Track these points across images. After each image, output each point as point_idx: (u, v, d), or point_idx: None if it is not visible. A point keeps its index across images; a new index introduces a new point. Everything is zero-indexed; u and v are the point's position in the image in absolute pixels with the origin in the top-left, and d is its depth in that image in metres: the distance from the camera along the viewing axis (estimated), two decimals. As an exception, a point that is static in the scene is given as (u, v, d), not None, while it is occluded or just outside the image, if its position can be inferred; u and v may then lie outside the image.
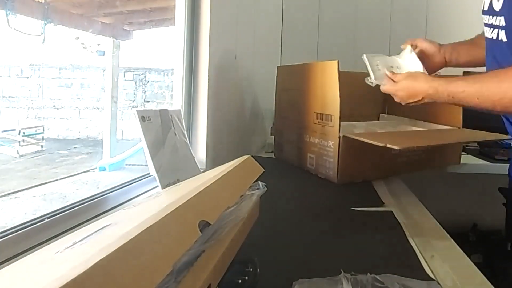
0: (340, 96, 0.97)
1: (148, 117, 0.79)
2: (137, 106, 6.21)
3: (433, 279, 0.53)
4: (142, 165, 3.85)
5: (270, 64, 1.75)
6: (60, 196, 3.44)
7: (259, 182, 0.56)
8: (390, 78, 0.93)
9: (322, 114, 1.05)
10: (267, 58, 1.88)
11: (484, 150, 1.57)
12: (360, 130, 1.24)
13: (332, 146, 1.01)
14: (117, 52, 4.41)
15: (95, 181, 3.96)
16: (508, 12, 0.78)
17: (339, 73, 0.97)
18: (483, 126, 1.23)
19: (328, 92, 1.03)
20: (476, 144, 1.63)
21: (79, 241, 0.34)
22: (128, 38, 4.51)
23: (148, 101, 6.35)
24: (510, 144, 1.63)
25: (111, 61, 4.37)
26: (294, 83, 1.22)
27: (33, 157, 4.46)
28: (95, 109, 6.34)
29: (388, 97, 0.98)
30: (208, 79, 1.09)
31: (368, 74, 0.99)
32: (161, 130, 0.82)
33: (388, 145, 0.82)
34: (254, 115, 1.62)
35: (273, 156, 1.37)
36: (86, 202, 0.75)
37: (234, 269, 0.47)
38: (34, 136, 4.31)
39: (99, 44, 4.35)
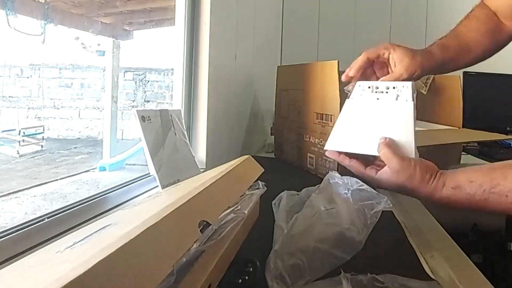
0: (340, 96, 0.97)
1: (148, 117, 0.79)
2: (137, 106, 6.21)
3: (433, 279, 0.53)
4: (142, 165, 3.85)
5: (270, 64, 1.75)
6: (60, 196, 3.44)
7: (259, 182, 0.57)
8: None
9: (322, 114, 1.05)
10: (267, 58, 1.88)
11: (484, 150, 1.57)
12: (360, 130, 1.24)
13: (332, 146, 1.01)
14: (117, 52, 4.41)
15: (95, 181, 3.96)
16: None
17: (339, 73, 0.97)
18: (483, 126, 1.24)
19: (328, 92, 1.03)
20: (476, 144, 1.64)
21: (80, 241, 0.34)
22: (128, 38, 4.52)
23: (148, 101, 6.35)
24: (510, 144, 1.63)
25: (111, 61, 4.38)
26: (294, 83, 1.22)
27: (33, 157, 4.46)
28: (95, 109, 6.35)
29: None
30: (208, 79, 1.09)
31: None
32: (161, 130, 0.82)
33: (388, 145, 0.82)
34: (254, 115, 1.62)
35: (273, 156, 1.37)
36: (86, 202, 0.75)
37: (234, 269, 0.47)
38: (34, 136, 4.31)
39: (99, 44, 4.35)
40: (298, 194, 0.67)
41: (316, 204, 0.57)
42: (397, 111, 0.64)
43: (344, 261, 0.48)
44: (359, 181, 0.57)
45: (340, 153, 0.66)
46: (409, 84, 0.65)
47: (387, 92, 0.66)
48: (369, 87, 0.67)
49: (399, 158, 0.58)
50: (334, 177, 0.61)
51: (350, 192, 0.55)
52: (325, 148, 0.67)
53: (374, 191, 0.55)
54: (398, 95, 0.65)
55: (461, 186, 0.54)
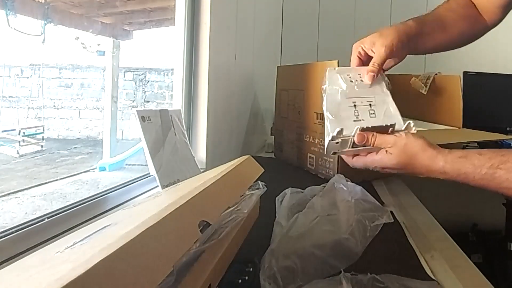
0: (340, 96, 0.97)
1: (148, 117, 0.79)
2: (137, 106, 6.21)
3: (433, 279, 0.53)
4: (142, 165, 3.85)
5: (270, 64, 1.75)
6: (60, 196, 3.44)
7: (259, 182, 0.56)
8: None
9: (322, 114, 1.05)
10: (267, 58, 1.88)
11: (488, 149, 1.56)
12: (360, 130, 1.24)
13: (332, 146, 1.01)
14: (117, 52, 4.41)
15: (95, 181, 3.96)
16: None
17: (339, 73, 0.97)
18: (483, 126, 1.24)
19: (328, 92, 1.02)
20: (476, 144, 1.64)
21: (80, 241, 0.34)
22: (128, 38, 4.52)
23: (148, 101, 6.35)
24: (510, 144, 1.63)
25: (111, 61, 4.38)
26: (294, 83, 1.22)
27: (33, 157, 4.46)
28: (95, 109, 6.35)
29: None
30: (208, 79, 1.09)
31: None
32: (161, 130, 0.82)
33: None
34: (254, 115, 1.62)
35: (273, 156, 1.37)
36: (86, 202, 0.75)
37: (234, 269, 0.47)
38: (34, 136, 4.31)
39: (99, 44, 4.35)
40: (302, 192, 0.67)
41: (318, 207, 0.56)
42: (374, 93, 0.65)
43: (338, 271, 0.47)
44: (364, 190, 0.57)
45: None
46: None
47: (361, 80, 0.66)
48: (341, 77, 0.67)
49: (389, 136, 0.58)
50: (340, 181, 0.60)
51: (353, 200, 0.55)
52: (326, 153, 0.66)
53: (378, 203, 0.54)
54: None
55: (469, 156, 0.52)
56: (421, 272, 0.56)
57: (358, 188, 0.57)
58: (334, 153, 0.63)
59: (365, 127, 0.60)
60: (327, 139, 0.62)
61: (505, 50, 2.07)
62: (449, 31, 0.77)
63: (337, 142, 0.61)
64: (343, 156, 0.64)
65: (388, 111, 0.63)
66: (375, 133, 0.59)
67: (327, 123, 0.63)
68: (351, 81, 0.66)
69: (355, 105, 0.64)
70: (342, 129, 0.60)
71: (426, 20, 0.76)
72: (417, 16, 0.77)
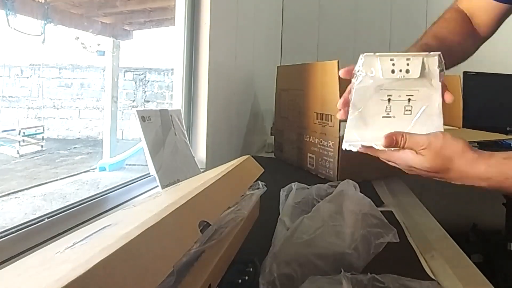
0: (340, 96, 0.97)
1: (148, 117, 0.79)
2: (137, 106, 6.21)
3: (433, 279, 0.53)
4: (142, 165, 3.85)
5: (270, 64, 1.75)
6: (60, 196, 3.44)
7: (259, 182, 0.56)
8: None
9: (322, 114, 1.05)
10: (267, 58, 1.88)
11: (484, 150, 1.57)
12: (360, 130, 1.24)
13: (332, 146, 1.01)
14: (117, 52, 4.41)
15: (95, 181, 3.96)
16: None
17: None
18: (483, 126, 1.24)
19: (328, 92, 1.03)
20: (476, 144, 1.64)
21: (80, 241, 0.34)
22: (128, 38, 4.52)
23: (148, 101, 6.35)
24: (510, 144, 1.63)
25: (111, 61, 4.37)
26: (294, 83, 1.22)
27: (33, 157, 4.46)
28: (95, 109, 6.34)
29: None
30: (208, 79, 1.09)
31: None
32: (161, 130, 0.82)
33: (388, 145, 0.82)
34: (254, 115, 1.62)
35: (273, 156, 1.37)
36: (86, 202, 0.75)
37: (234, 269, 0.47)
38: (34, 136, 4.31)
39: (99, 44, 4.34)
40: (308, 189, 0.66)
41: (324, 213, 0.55)
42: (421, 91, 0.53)
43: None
44: (372, 203, 0.56)
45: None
46: (435, 56, 0.52)
47: (407, 71, 0.52)
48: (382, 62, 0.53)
49: (424, 135, 0.50)
50: (349, 189, 0.59)
51: (361, 214, 0.54)
52: (344, 146, 0.55)
53: (385, 220, 0.54)
54: (422, 71, 0.52)
55: None
56: (421, 272, 0.56)
57: (367, 200, 0.56)
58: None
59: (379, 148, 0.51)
60: (344, 144, 0.54)
61: (505, 50, 2.07)
62: (455, 55, 0.73)
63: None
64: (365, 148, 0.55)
65: (428, 109, 0.52)
66: (404, 134, 0.50)
67: (349, 117, 0.54)
68: (393, 70, 0.52)
69: (389, 99, 0.53)
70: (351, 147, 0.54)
71: (432, 46, 0.68)
72: (420, 40, 0.71)
